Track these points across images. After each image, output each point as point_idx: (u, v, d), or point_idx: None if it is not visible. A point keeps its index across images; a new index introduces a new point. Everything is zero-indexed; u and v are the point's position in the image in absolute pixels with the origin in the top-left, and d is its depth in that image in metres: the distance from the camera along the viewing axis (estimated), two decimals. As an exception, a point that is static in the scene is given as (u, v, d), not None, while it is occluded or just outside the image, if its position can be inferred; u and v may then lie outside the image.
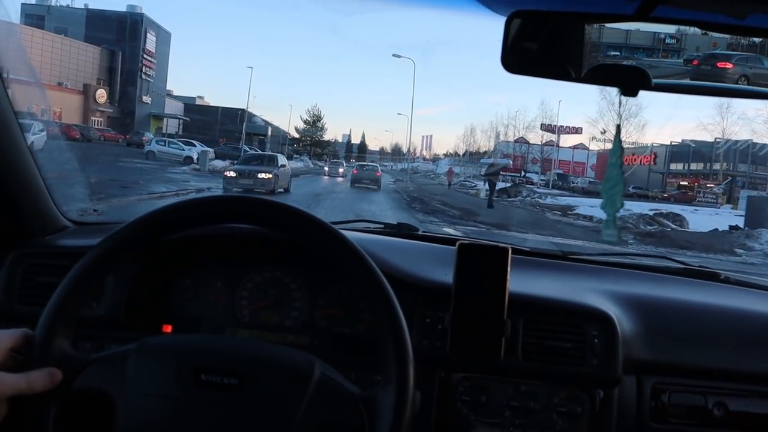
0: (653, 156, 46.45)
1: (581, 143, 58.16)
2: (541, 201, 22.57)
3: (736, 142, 37.71)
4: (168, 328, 1.30)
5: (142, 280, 1.28)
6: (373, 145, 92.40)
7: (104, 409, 0.80)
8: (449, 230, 10.28)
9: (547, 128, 53.76)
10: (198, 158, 23.90)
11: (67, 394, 0.80)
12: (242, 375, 0.80)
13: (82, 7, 43.56)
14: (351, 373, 1.13)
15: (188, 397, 0.79)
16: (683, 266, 1.56)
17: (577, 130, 52.97)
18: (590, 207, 17.23)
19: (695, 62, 1.01)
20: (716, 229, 14.16)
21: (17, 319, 1.22)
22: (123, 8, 43.64)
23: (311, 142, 71.68)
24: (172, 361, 0.82)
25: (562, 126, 54.75)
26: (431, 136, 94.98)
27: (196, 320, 1.32)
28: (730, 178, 39.66)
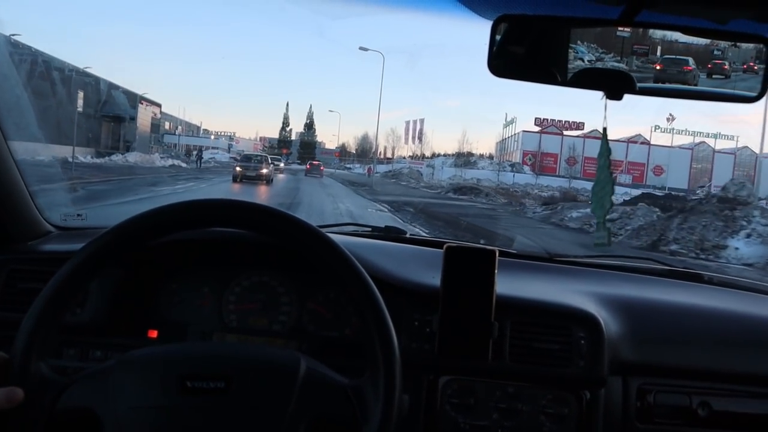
0: None
1: (638, 134, 41.63)
2: None
3: None
4: (154, 334, 1.29)
5: (128, 284, 1.27)
6: (331, 144, 77.48)
7: (91, 426, 0.79)
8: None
9: (540, 123, 43.52)
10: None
11: (52, 415, 0.79)
12: (228, 377, 0.80)
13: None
14: None
15: (176, 406, 0.78)
16: (668, 268, 1.58)
17: (578, 126, 43.28)
18: None
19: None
20: None
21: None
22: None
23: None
24: (156, 371, 0.81)
25: (560, 120, 43.46)
26: (422, 121, 58.36)
27: (183, 325, 1.30)
28: None
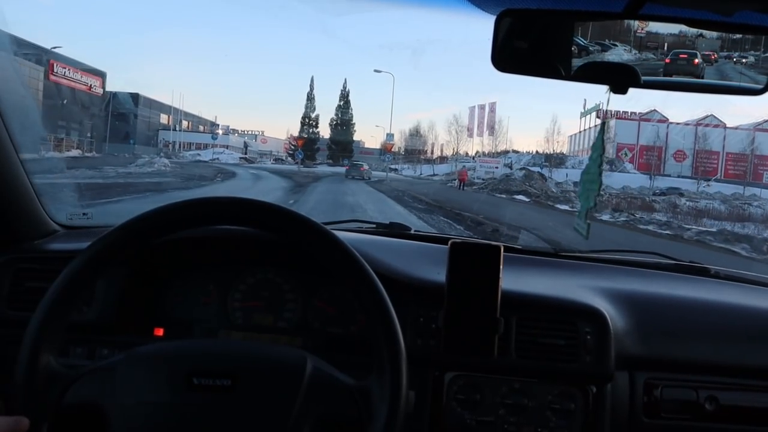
0: None
1: (768, 120, 32.05)
2: None
3: None
4: (160, 332, 1.29)
5: (134, 283, 1.27)
6: (371, 143, 63.34)
7: (98, 421, 0.79)
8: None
9: (604, 116, 31.62)
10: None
11: (59, 409, 0.80)
12: (234, 375, 0.80)
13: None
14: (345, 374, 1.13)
15: (182, 402, 0.79)
16: (674, 262, 1.57)
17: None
18: None
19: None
20: None
21: (7, 324, 1.21)
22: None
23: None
24: (163, 367, 0.81)
25: (631, 113, 33.04)
26: (494, 106, 44.27)
27: (189, 323, 1.31)
28: None
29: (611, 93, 1.03)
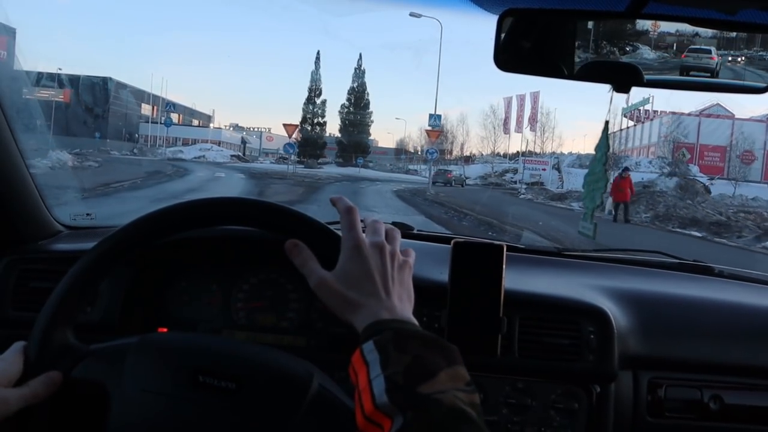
0: None
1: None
2: None
3: None
4: (163, 332, 1.30)
5: (137, 283, 1.28)
6: (384, 142, 57.64)
7: (99, 401, 0.79)
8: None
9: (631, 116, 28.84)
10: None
11: (66, 382, 0.80)
12: (240, 380, 0.80)
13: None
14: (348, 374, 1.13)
15: (183, 397, 0.78)
16: (678, 261, 1.57)
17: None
18: None
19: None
20: None
21: (11, 325, 1.22)
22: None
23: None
24: (172, 358, 0.81)
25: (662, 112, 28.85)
26: (537, 97, 36.92)
27: (192, 323, 1.31)
28: None
29: (614, 92, 1.03)
